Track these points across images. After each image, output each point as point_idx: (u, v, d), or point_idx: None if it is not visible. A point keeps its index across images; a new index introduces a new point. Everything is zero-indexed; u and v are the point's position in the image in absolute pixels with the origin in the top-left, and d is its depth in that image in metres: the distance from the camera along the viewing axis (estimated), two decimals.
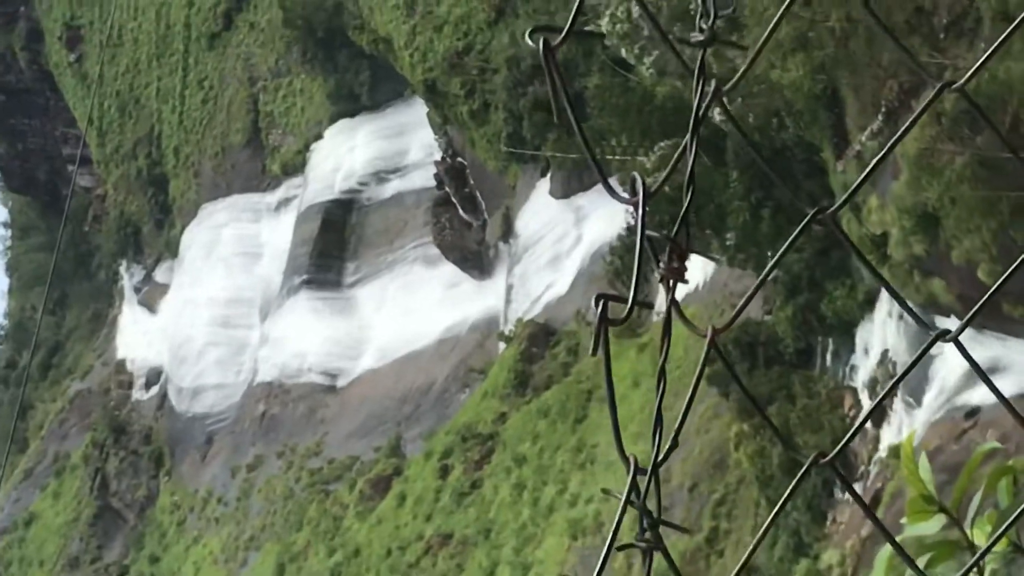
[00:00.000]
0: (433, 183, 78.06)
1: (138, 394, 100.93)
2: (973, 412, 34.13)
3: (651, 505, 2.78)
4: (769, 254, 37.94)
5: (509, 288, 70.54)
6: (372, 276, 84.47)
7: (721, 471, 44.71)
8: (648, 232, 2.78)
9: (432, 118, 75.02)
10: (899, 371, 33.98)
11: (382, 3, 71.60)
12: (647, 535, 2.77)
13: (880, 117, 30.14)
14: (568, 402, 57.69)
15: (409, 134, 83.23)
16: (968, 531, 3.83)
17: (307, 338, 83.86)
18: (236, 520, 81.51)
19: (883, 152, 3.18)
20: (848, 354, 40.53)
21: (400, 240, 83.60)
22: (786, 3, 3.04)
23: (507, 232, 71.49)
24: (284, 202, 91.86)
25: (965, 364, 3.27)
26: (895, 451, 36.16)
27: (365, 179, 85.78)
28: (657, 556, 2.80)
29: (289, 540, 73.49)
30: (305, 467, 78.21)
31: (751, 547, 3.19)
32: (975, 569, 3.53)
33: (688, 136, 2.83)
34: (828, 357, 41.38)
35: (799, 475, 2.95)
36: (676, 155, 2.84)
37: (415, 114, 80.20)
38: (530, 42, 2.77)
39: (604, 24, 34.62)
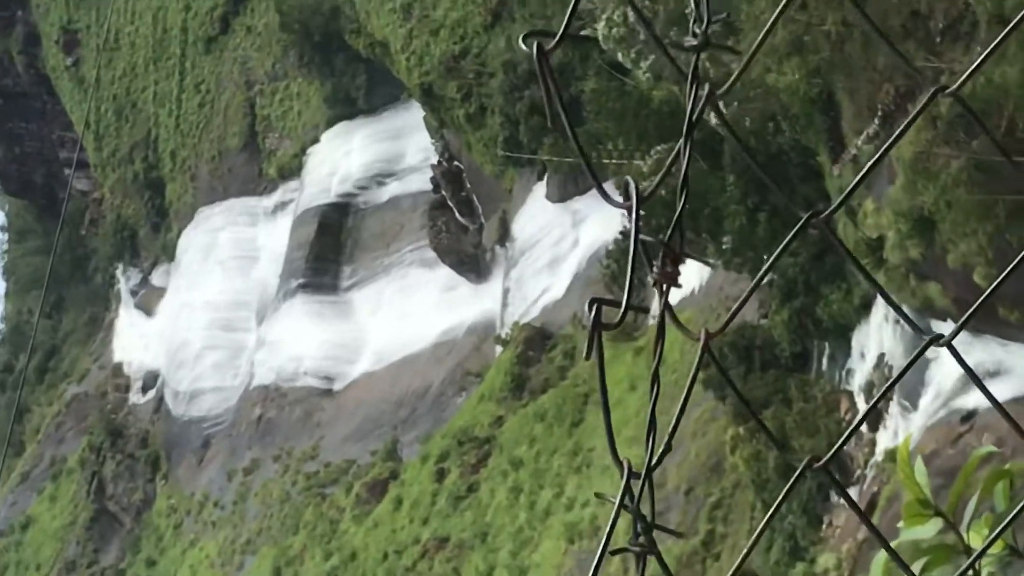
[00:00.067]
0: (429, 187, 78.04)
1: (135, 398, 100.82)
2: (969, 416, 34.13)
3: (645, 509, 2.78)
4: (765, 258, 37.94)
5: (505, 292, 70.48)
6: (368, 280, 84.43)
7: (717, 475, 44.69)
8: (642, 236, 2.78)
9: (428, 122, 75.05)
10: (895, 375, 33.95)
11: (379, 7, 71.62)
12: (640, 539, 2.77)
13: (876, 121, 30.15)
14: (564, 406, 57.62)
15: (405, 138, 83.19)
16: (964, 535, 3.84)
17: (303, 342, 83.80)
18: (232, 524, 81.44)
19: (877, 156, 3.19)
20: (844, 358, 40.50)
21: (396, 244, 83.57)
22: (780, 7, 3.04)
23: (503, 236, 71.46)
24: (280, 206, 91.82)
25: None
26: (891, 455, 36.13)
27: (361, 183, 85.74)
28: (651, 560, 2.80)
29: (285, 544, 73.43)
30: (301, 471, 78.15)
31: (745, 551, 3.19)
32: (971, 572, 3.53)
33: (681, 140, 2.84)
34: (824, 361, 41.35)
35: (793, 479, 2.96)
36: (670, 159, 2.84)
37: (411, 118, 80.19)
38: (524, 47, 2.78)
39: (600, 28, 34.63)
